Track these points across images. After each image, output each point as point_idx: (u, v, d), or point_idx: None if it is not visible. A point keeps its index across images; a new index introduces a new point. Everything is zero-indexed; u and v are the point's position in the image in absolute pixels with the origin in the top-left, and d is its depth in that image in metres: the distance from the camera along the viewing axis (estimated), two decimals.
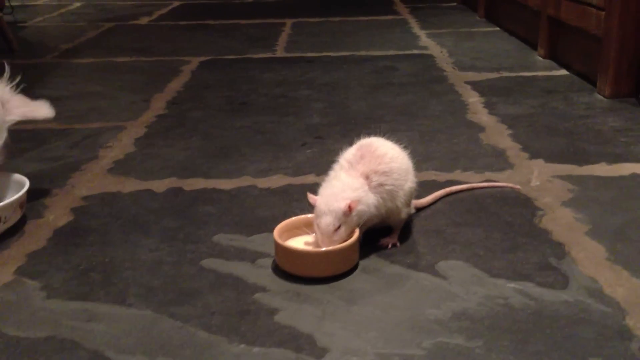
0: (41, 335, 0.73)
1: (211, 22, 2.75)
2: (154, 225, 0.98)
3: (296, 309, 0.77)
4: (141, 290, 0.81)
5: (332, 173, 0.90)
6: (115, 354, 0.69)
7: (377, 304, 0.78)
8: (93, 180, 1.16)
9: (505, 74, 1.80)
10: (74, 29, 2.66)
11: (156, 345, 0.71)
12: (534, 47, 2.03)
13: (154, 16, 2.93)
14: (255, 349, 0.70)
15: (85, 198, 1.08)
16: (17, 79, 1.04)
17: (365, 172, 0.87)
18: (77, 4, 3.37)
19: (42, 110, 1.04)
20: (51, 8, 3.27)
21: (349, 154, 0.90)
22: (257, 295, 0.80)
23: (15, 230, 0.96)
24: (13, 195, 0.97)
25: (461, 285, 0.81)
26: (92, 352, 0.70)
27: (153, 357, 0.69)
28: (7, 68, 1.04)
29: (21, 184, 1.01)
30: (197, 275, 0.85)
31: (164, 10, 3.10)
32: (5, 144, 1.00)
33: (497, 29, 2.42)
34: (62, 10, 3.16)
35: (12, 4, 2.99)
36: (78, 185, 1.14)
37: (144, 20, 2.82)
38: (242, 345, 0.70)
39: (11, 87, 1.02)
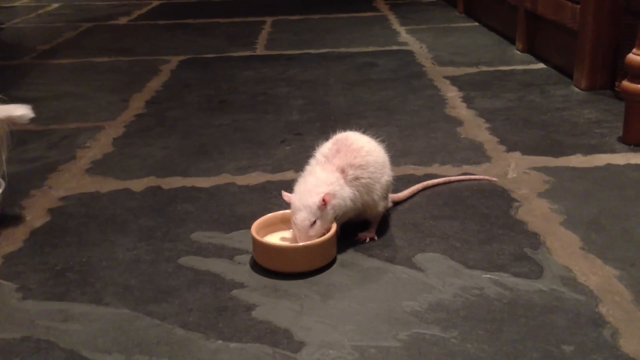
0: (16, 336, 0.72)
1: (191, 21, 2.74)
2: (132, 224, 0.98)
3: (274, 305, 0.77)
4: (118, 289, 0.81)
5: (308, 168, 0.90)
6: (92, 353, 0.69)
7: (354, 297, 0.78)
8: (71, 181, 1.15)
9: (484, 68, 1.81)
10: (52, 29, 2.64)
11: (132, 344, 0.70)
12: (512, 41, 2.05)
13: (133, 16, 2.91)
14: (232, 345, 0.70)
15: (62, 199, 1.08)
16: None
17: (341, 166, 0.87)
18: (55, 5, 3.34)
19: (19, 109, 1.03)
20: (29, 9, 3.23)
21: (325, 148, 0.91)
22: (235, 292, 0.80)
23: None
24: None
25: (438, 277, 0.81)
26: (68, 352, 0.69)
27: (129, 356, 0.69)
28: None
29: None
30: (175, 273, 0.85)
31: (143, 10, 3.08)
32: None
33: (477, 24, 2.43)
34: (40, 11, 3.13)
35: None
36: (55, 186, 1.13)
37: (123, 20, 2.80)
38: (219, 342, 0.70)
39: None
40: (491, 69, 1.80)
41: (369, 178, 0.88)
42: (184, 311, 0.76)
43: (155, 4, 3.29)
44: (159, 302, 0.78)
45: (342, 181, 0.86)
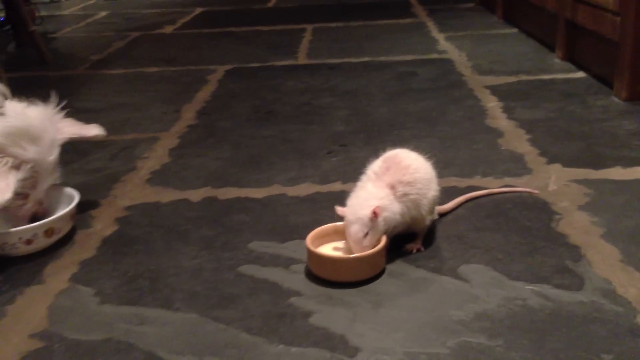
0: (98, 338, 0.80)
1: (234, 29, 2.83)
2: (193, 234, 1.05)
3: (329, 312, 0.83)
4: (185, 296, 0.88)
5: (359, 184, 0.96)
6: (167, 354, 0.76)
7: (403, 306, 0.84)
8: (133, 191, 1.23)
9: (524, 77, 1.84)
10: (102, 39, 2.76)
11: (203, 346, 0.78)
12: (551, 49, 2.07)
13: (178, 24, 3.02)
14: (293, 349, 0.76)
15: (127, 208, 1.16)
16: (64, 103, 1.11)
17: (390, 183, 0.93)
18: (103, 13, 3.47)
19: (92, 129, 1.13)
20: (78, 18, 3.37)
21: (375, 166, 0.96)
22: (293, 299, 0.86)
23: (67, 240, 1.04)
24: (63, 207, 1.06)
25: (482, 287, 0.87)
26: (146, 353, 0.77)
27: (201, 357, 0.76)
28: (54, 93, 1.11)
29: (70, 196, 1.08)
30: (236, 280, 0.91)
31: (186, 18, 3.18)
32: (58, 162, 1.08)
33: (515, 30, 2.46)
34: (89, 20, 3.26)
35: (40, 14, 3.09)
36: (120, 196, 1.21)
37: (168, 29, 2.91)
38: (281, 346, 0.77)
39: (59, 110, 1.10)
40: (531, 77, 1.83)
41: (417, 194, 0.94)
42: (247, 317, 0.83)
43: (198, 11, 3.39)
44: (224, 308, 0.85)
45: (392, 197, 0.92)
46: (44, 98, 1.10)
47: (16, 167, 0.98)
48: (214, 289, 0.90)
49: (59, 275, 0.95)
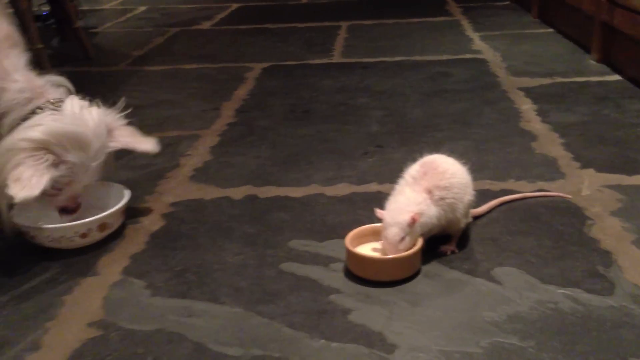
0: (151, 328, 0.86)
1: (269, 25, 2.87)
2: (236, 231, 1.11)
3: (367, 310, 0.87)
4: (230, 290, 0.94)
5: (397, 187, 1.00)
6: (216, 345, 0.82)
7: (438, 306, 0.88)
8: (178, 188, 1.29)
9: (559, 79, 1.85)
10: (142, 34, 2.83)
11: (248, 339, 0.83)
12: (587, 50, 2.07)
13: (215, 20, 3.07)
14: (334, 344, 0.81)
15: (173, 204, 1.22)
16: (127, 111, 1.12)
17: (428, 187, 0.97)
18: (142, 8, 3.54)
19: (146, 143, 1.12)
20: (118, 12, 3.45)
21: (413, 170, 1.00)
22: (332, 297, 0.91)
23: (117, 234, 1.10)
24: (113, 203, 1.11)
25: (515, 290, 0.90)
26: (195, 344, 0.82)
27: (247, 350, 0.81)
28: (122, 100, 1.12)
29: (120, 192, 1.14)
30: (278, 277, 0.96)
31: (223, 14, 3.24)
32: (106, 163, 1.11)
33: (551, 30, 2.45)
34: (129, 15, 3.34)
35: (82, 7, 3.18)
36: (165, 192, 1.27)
37: (206, 25, 2.97)
38: (322, 341, 0.82)
39: (121, 118, 1.11)
40: (566, 79, 1.84)
41: (453, 198, 0.97)
42: (289, 312, 0.88)
43: (234, 7, 3.44)
44: (267, 303, 0.90)
45: (429, 201, 0.95)
46: (98, 96, 1.13)
47: (55, 164, 0.99)
48: (257, 284, 0.95)
49: (112, 267, 1.01)
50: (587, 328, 0.81)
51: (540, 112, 1.59)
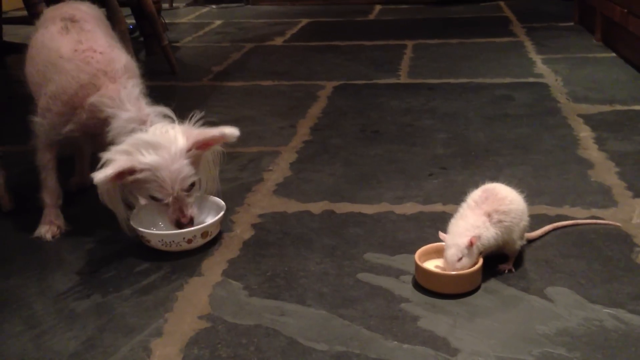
0: (251, 323, 1.02)
1: (338, 43, 3.04)
2: (317, 243, 1.27)
3: (433, 318, 1.02)
4: (315, 295, 1.09)
5: (460, 210, 1.14)
6: (305, 341, 0.98)
7: (496, 318, 1.01)
8: (263, 200, 1.46)
9: (618, 106, 1.94)
10: (220, 49, 3.04)
11: (332, 337, 0.98)
12: None
13: (287, 36, 3.26)
14: (405, 346, 0.96)
15: (260, 216, 1.39)
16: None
17: (488, 211, 1.10)
18: (218, 22, 3.77)
19: (226, 129, 1.23)
20: (196, 26, 3.69)
21: (475, 195, 1.14)
22: (403, 305, 1.05)
23: (215, 241, 1.28)
24: (210, 213, 1.29)
25: (565, 307, 1.02)
26: (289, 339, 0.98)
27: (332, 346, 0.96)
28: (197, 113, 1.26)
29: (216, 203, 1.32)
30: (355, 285, 1.12)
31: (294, 29, 3.43)
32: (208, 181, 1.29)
33: (613, 54, 2.52)
34: (207, 29, 3.57)
35: (164, 20, 3.42)
36: (253, 204, 1.45)
37: (278, 41, 3.16)
38: (395, 342, 0.96)
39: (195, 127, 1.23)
40: (625, 108, 1.92)
41: (511, 222, 1.10)
42: (366, 316, 1.03)
43: (304, 22, 3.63)
44: (347, 307, 1.06)
45: (487, 224, 1.09)
46: (186, 111, 1.26)
47: (138, 170, 1.14)
48: (337, 291, 1.10)
49: (213, 269, 1.18)
50: (628, 344, 0.93)
51: (598, 140, 1.69)
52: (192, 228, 1.21)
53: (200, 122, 1.26)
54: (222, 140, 1.26)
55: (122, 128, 1.21)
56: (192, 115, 1.25)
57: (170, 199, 1.18)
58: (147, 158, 1.15)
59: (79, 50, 1.24)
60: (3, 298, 1.12)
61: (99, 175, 1.11)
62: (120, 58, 1.28)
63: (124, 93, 1.23)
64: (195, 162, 1.21)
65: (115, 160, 1.14)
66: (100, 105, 1.21)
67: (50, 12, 1.40)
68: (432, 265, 1.13)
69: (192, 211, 1.21)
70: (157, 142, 1.16)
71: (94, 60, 1.24)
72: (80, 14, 1.34)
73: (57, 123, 1.26)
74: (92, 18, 1.37)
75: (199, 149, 1.21)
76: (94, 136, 1.28)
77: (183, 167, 1.18)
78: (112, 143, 1.21)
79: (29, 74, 1.33)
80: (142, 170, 1.15)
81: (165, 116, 1.27)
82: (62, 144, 1.34)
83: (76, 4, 1.41)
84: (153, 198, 1.19)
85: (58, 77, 1.23)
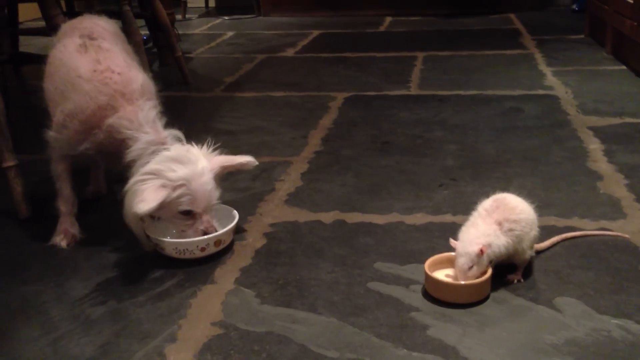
0: (263, 330, 1.04)
1: (349, 54, 3.06)
2: (328, 252, 1.28)
3: (442, 327, 1.03)
4: (326, 303, 1.11)
5: (471, 219, 1.16)
6: (317, 348, 0.99)
7: (505, 327, 1.02)
8: (274, 210, 1.48)
9: (628, 119, 1.95)
10: (232, 60, 3.08)
11: (343, 345, 1.00)
12: None
13: (298, 47, 3.30)
14: (414, 354, 0.97)
15: (271, 225, 1.41)
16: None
17: (498, 220, 1.12)
18: (230, 33, 3.82)
19: (245, 158, 1.32)
20: (208, 38, 3.73)
21: (486, 204, 1.16)
22: (412, 314, 1.07)
23: (228, 250, 1.30)
24: (222, 222, 1.32)
25: (573, 318, 1.03)
26: (300, 345, 1.00)
27: (343, 353, 0.98)
28: (209, 139, 1.31)
29: (228, 212, 1.35)
30: (365, 294, 1.13)
31: (305, 41, 3.46)
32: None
33: (624, 67, 2.53)
34: (219, 40, 3.62)
35: (177, 31, 3.47)
36: (264, 214, 1.47)
37: (289, 52, 3.19)
38: (404, 350, 0.98)
39: (214, 152, 1.30)
40: (635, 120, 1.93)
41: (521, 231, 1.12)
42: (376, 324, 1.04)
43: (315, 33, 3.66)
44: (357, 315, 1.07)
45: (498, 232, 1.10)
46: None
47: (172, 188, 1.18)
48: (348, 299, 1.12)
49: (226, 277, 1.21)
50: (634, 353, 0.94)
51: (607, 153, 1.70)
52: (206, 236, 1.23)
53: (214, 147, 1.32)
54: (242, 168, 1.34)
55: (143, 150, 1.24)
56: (207, 141, 1.31)
57: (200, 211, 1.21)
58: (179, 172, 1.19)
59: (97, 71, 1.26)
60: (21, 304, 1.15)
61: (143, 208, 1.14)
62: (137, 78, 1.30)
63: (141, 115, 1.25)
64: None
65: (147, 186, 1.16)
66: (119, 127, 1.24)
67: (68, 26, 1.43)
68: (442, 274, 1.15)
69: (215, 223, 1.24)
70: (184, 158, 1.21)
71: (112, 81, 1.26)
72: (99, 30, 1.37)
73: (73, 140, 1.29)
74: (109, 35, 1.40)
75: (218, 172, 1.27)
76: (109, 154, 1.31)
77: (211, 180, 1.24)
78: (131, 165, 1.25)
79: (47, 90, 1.35)
80: (175, 188, 1.18)
81: (179, 139, 1.30)
82: (75, 157, 1.36)
83: (94, 18, 1.44)
84: (183, 213, 1.21)
85: (76, 97, 1.25)
